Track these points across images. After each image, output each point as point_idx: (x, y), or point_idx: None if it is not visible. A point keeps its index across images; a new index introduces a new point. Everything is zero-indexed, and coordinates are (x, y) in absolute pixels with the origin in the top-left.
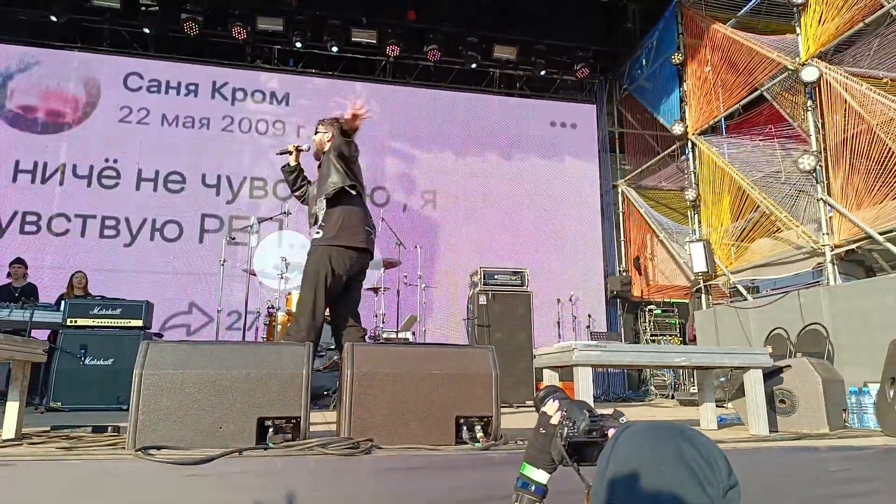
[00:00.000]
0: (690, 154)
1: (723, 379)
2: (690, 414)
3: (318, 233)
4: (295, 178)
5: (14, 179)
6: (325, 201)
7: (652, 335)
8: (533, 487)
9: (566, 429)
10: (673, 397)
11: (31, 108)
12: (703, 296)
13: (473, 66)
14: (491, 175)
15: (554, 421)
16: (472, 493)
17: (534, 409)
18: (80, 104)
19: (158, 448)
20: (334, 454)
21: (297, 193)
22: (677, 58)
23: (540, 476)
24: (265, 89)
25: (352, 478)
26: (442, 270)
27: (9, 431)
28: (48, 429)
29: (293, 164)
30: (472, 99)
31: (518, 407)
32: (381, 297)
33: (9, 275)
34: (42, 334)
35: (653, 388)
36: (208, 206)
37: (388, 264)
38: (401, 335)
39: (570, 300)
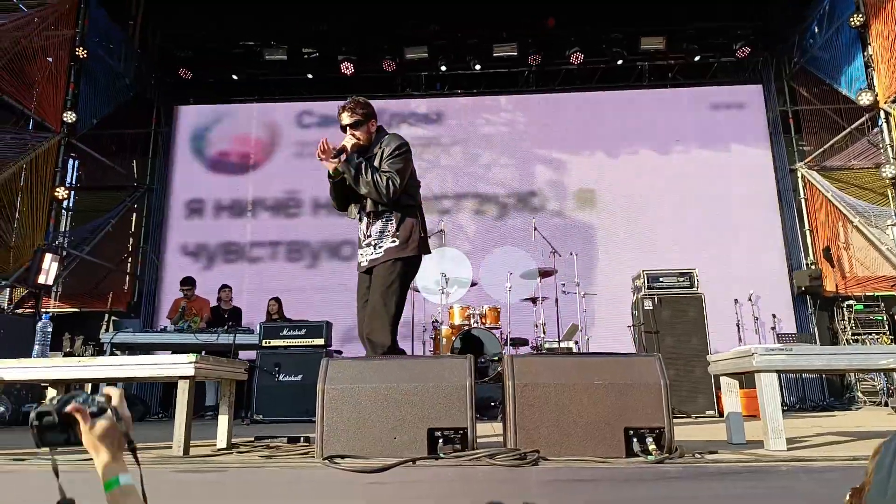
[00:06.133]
0: (884, 125)
1: None
2: None
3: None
4: None
5: (216, 216)
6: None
7: (854, 334)
8: None
9: None
10: (886, 404)
11: (226, 154)
12: None
13: (619, 62)
14: (648, 172)
15: None
16: None
17: (717, 418)
18: (263, 146)
19: (342, 457)
20: (502, 465)
21: None
22: (857, 19)
23: None
24: (416, 114)
25: (520, 489)
26: (601, 276)
27: (221, 441)
28: (252, 439)
29: None
30: (621, 96)
31: (696, 417)
32: (540, 308)
33: (219, 298)
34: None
35: (860, 394)
36: None
37: (544, 273)
38: (563, 345)
39: (751, 300)
